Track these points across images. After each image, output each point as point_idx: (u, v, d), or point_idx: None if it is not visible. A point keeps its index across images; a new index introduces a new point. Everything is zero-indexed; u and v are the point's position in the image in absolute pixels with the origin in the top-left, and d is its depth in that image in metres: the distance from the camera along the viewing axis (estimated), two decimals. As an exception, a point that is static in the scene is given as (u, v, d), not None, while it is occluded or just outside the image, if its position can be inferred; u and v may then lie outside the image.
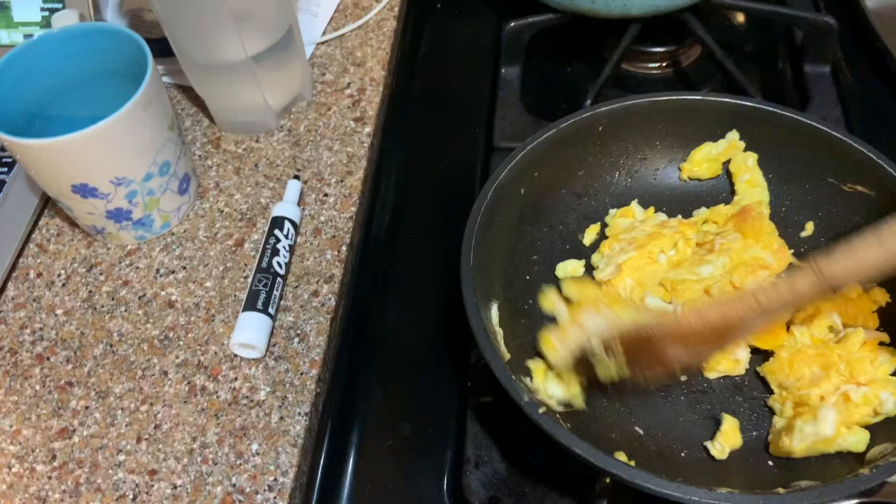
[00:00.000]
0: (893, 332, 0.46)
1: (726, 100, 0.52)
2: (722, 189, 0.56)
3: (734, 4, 0.69)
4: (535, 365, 0.47)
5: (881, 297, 0.48)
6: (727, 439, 0.43)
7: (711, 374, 0.47)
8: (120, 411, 0.52)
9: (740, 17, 0.75)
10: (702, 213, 0.54)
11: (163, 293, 0.58)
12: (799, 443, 0.41)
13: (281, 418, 0.51)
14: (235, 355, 0.54)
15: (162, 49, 0.63)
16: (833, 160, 0.50)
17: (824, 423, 0.40)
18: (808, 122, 0.50)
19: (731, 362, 0.47)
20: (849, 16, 0.70)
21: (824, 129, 0.50)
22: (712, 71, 0.70)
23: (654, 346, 0.42)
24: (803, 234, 0.53)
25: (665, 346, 0.42)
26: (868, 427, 0.42)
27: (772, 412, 0.46)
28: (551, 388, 0.46)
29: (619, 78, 0.71)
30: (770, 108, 0.51)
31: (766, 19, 0.73)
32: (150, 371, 0.54)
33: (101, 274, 0.59)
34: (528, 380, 0.45)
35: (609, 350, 0.43)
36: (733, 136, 0.53)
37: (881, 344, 0.45)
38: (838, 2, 0.72)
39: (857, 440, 0.41)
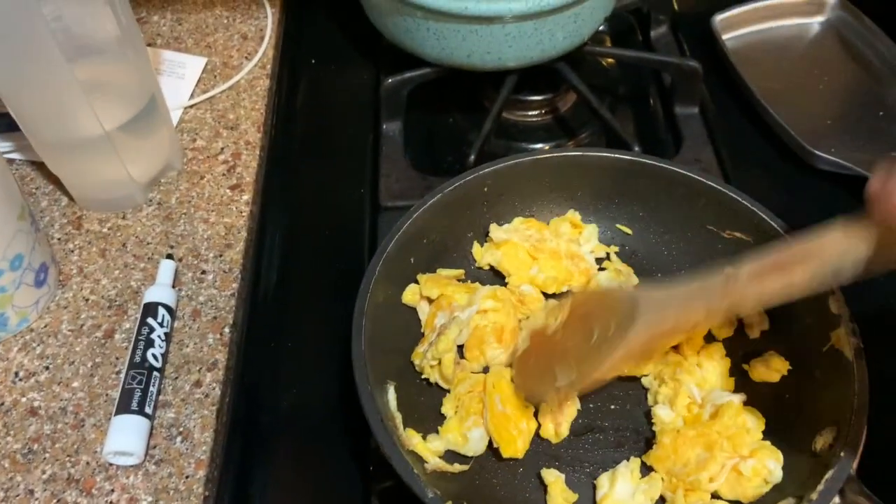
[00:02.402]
0: (749, 391, 0.47)
1: (605, 154, 0.53)
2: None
3: (604, 52, 0.71)
4: (449, 435, 0.45)
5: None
6: None
7: None
8: (-22, 545, 0.46)
9: (613, 62, 0.77)
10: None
11: (24, 399, 0.52)
12: None
13: (167, 531, 0.47)
14: (110, 464, 0.49)
15: (10, 123, 0.58)
16: (711, 208, 0.51)
17: None
18: (684, 172, 0.51)
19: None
20: (711, 55, 0.74)
21: (700, 178, 0.51)
22: (591, 115, 0.71)
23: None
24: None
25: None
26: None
27: None
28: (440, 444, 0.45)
29: (502, 127, 0.71)
30: (647, 161, 0.52)
31: (635, 65, 0.75)
32: (14, 491, 0.48)
33: (-52, 384, 0.53)
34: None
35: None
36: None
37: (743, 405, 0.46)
38: (700, 43, 0.75)
39: None
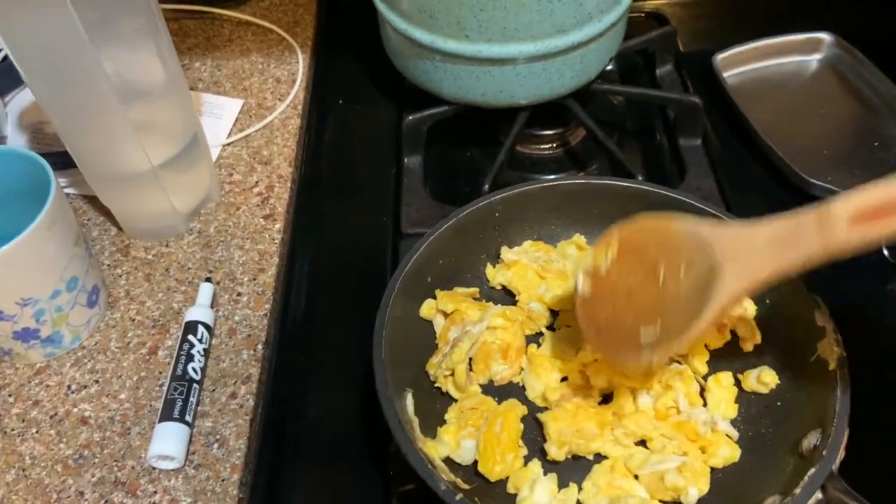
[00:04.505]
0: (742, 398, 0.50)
1: (607, 182, 0.57)
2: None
3: (610, 90, 0.76)
4: (445, 437, 0.48)
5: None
6: None
7: None
8: (34, 539, 0.51)
9: (621, 98, 0.82)
10: None
11: (75, 410, 0.57)
12: None
13: (204, 528, 0.51)
14: (154, 468, 0.54)
15: (66, 161, 0.64)
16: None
17: None
18: (678, 197, 0.55)
19: None
20: (714, 91, 0.78)
21: (694, 203, 0.55)
22: (599, 148, 0.76)
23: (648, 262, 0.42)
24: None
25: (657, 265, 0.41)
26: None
27: None
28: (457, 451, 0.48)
29: (515, 160, 0.75)
30: (645, 187, 0.56)
31: (641, 101, 0.80)
32: (66, 493, 0.53)
33: (9, 396, 0.58)
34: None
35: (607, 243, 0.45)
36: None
37: None
38: (703, 80, 0.80)
39: None
